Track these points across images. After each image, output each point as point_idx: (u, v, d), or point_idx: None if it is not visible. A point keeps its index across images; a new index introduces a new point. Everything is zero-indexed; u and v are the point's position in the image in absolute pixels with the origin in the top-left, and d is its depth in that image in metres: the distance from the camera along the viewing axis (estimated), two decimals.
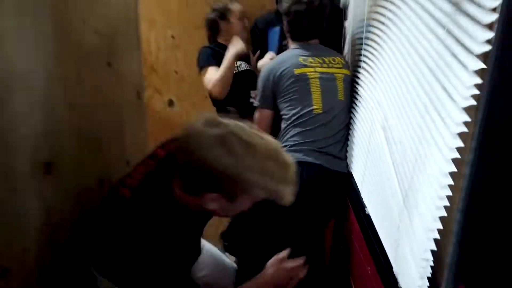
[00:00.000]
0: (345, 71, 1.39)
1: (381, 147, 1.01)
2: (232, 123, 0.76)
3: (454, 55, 0.63)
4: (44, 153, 0.82)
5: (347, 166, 1.37)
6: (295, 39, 1.42)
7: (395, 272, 0.88)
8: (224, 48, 1.58)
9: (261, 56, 1.66)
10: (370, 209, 1.11)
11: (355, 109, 1.38)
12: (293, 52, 1.40)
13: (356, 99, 1.37)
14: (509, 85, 0.51)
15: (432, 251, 0.70)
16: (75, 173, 0.94)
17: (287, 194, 0.77)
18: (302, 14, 1.35)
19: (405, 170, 0.84)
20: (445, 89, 0.66)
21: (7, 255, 0.72)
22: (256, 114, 1.45)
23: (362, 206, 1.15)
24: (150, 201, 0.81)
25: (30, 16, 0.77)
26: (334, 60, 1.39)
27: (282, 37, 1.58)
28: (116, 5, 1.14)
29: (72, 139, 0.92)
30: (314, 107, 1.33)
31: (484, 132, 0.54)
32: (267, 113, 1.42)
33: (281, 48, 1.59)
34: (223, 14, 1.66)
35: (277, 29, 1.61)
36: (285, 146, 1.33)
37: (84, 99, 0.97)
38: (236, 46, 1.53)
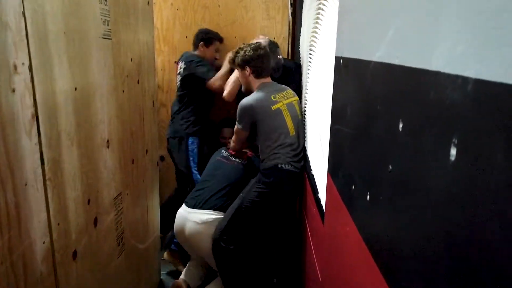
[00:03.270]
0: (296, 98, 2.01)
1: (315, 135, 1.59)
2: None
3: None
4: (105, 133, 1.35)
5: (301, 167, 1.91)
6: (259, 76, 1.99)
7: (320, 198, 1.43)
8: None
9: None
10: (314, 172, 1.67)
11: (305, 120, 1.99)
12: (266, 91, 1.95)
13: (305, 113, 1.99)
14: None
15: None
16: (121, 149, 1.47)
17: None
18: (264, 56, 1.98)
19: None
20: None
21: None
22: (237, 131, 2.03)
23: (310, 170, 1.71)
24: None
25: (103, 52, 1.32)
26: (288, 93, 1.99)
27: None
28: (142, 43, 1.70)
29: (118, 126, 1.46)
30: (290, 131, 1.90)
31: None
32: (245, 133, 2.00)
33: None
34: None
35: None
36: (271, 155, 1.88)
37: (125, 102, 1.52)
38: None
